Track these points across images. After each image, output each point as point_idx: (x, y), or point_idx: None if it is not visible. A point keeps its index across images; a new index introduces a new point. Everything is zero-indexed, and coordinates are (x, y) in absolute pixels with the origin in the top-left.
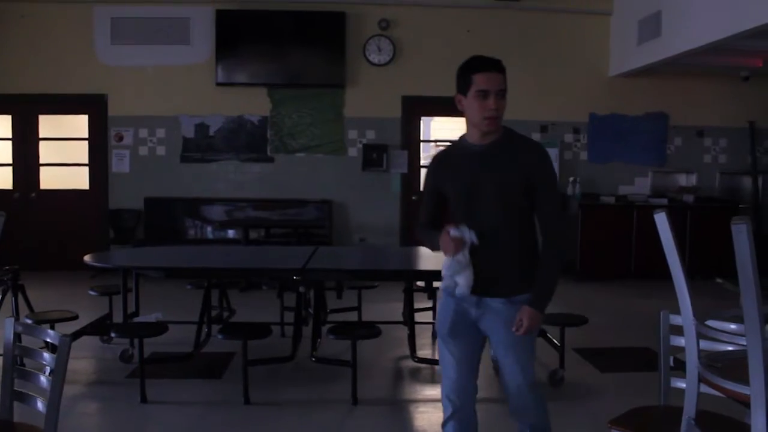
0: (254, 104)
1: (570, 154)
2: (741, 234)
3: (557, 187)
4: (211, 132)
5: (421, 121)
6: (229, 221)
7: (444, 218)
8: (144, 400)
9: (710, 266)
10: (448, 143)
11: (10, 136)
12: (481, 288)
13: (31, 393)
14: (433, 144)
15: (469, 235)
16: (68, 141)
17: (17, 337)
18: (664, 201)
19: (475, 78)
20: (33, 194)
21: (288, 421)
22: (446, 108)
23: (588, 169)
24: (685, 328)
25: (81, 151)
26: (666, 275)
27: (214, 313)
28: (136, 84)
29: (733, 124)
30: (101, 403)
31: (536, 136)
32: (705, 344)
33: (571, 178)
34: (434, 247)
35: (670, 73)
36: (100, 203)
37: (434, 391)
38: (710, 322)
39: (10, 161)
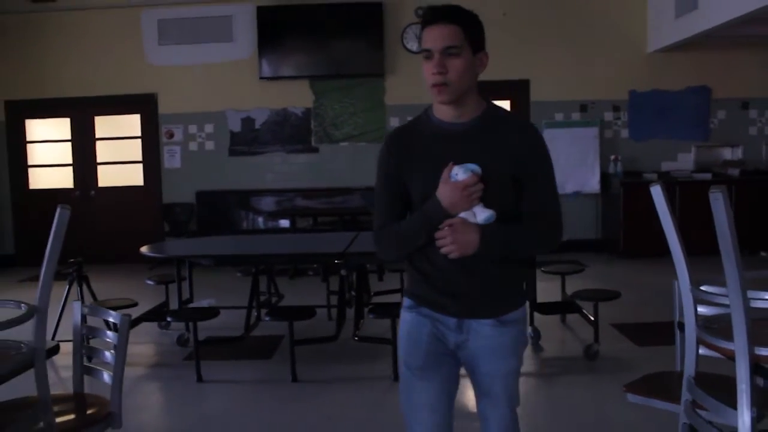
0: (297, 96)
1: (610, 133)
2: (717, 201)
3: (555, 179)
4: (257, 125)
5: None
6: (278, 211)
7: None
8: (200, 379)
9: (757, 240)
10: (411, 120)
11: (70, 138)
12: (462, 307)
13: (98, 368)
14: None
15: (473, 167)
16: (123, 140)
17: (84, 318)
18: (708, 176)
19: (422, 36)
20: (92, 192)
21: (333, 396)
22: (487, 92)
23: (629, 146)
24: (683, 294)
25: (135, 149)
26: (710, 251)
27: (262, 298)
28: (183, 82)
29: None
30: (161, 382)
31: (576, 116)
32: (716, 310)
33: (612, 157)
34: (419, 233)
35: (710, 46)
36: (154, 198)
37: None
38: (707, 287)
39: (71, 161)
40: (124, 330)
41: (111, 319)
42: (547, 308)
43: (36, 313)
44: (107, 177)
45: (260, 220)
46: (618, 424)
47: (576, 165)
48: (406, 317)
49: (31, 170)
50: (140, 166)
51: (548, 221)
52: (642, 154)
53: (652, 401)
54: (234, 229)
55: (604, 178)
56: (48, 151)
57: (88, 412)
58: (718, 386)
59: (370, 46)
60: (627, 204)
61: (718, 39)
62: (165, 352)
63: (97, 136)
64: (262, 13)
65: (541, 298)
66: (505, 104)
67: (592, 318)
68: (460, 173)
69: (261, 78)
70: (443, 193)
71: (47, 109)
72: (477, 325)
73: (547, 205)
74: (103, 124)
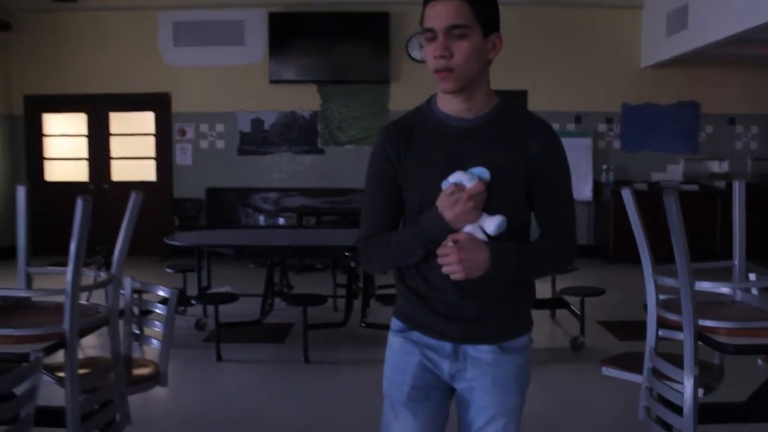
0: (305, 100)
1: (603, 143)
2: (670, 203)
3: (572, 191)
4: (266, 126)
5: None
6: (283, 209)
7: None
8: (219, 358)
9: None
10: (409, 112)
11: (86, 133)
12: (460, 332)
13: (146, 335)
14: None
15: (479, 172)
16: (136, 136)
17: (134, 292)
18: (695, 187)
19: (425, 13)
20: (106, 185)
21: (342, 376)
22: None
23: (621, 157)
24: (645, 278)
25: (148, 146)
26: (696, 257)
27: (275, 289)
28: (197, 82)
29: (765, 110)
30: (183, 361)
31: (571, 126)
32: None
33: (605, 166)
34: (415, 250)
35: (699, 63)
36: (165, 193)
37: None
38: (666, 279)
39: (86, 155)
40: (173, 302)
41: (161, 293)
42: (537, 304)
43: (113, 280)
44: (121, 172)
45: (263, 217)
46: (596, 402)
47: (570, 174)
48: (393, 343)
49: (46, 163)
50: (153, 162)
51: (566, 240)
52: (633, 165)
53: (622, 373)
54: (240, 224)
55: (597, 186)
56: (64, 145)
57: (140, 371)
58: (674, 359)
59: (376, 54)
60: (617, 211)
61: (707, 57)
62: (183, 336)
63: (111, 132)
64: (274, 18)
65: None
66: None
67: (579, 313)
68: (465, 180)
69: (271, 81)
70: (445, 205)
71: (64, 104)
72: (475, 351)
73: (565, 222)
74: (118, 121)
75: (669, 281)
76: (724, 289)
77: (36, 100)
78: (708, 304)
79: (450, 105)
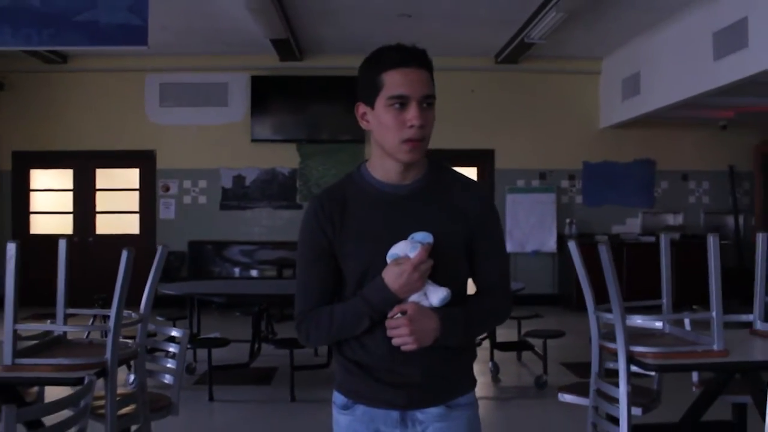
0: (285, 157)
1: (566, 198)
2: (603, 252)
3: (505, 245)
4: (247, 182)
5: None
6: (262, 261)
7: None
8: (211, 398)
9: (692, 295)
10: (339, 180)
11: (72, 187)
12: (406, 398)
13: (159, 371)
14: None
15: (422, 237)
16: (121, 191)
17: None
18: (652, 239)
19: (387, 78)
20: (90, 238)
21: (327, 412)
22: (454, 160)
23: (583, 211)
24: (589, 315)
25: (132, 200)
26: (652, 298)
27: (261, 335)
28: (181, 140)
29: (715, 167)
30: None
31: (535, 183)
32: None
33: (568, 220)
34: (359, 322)
35: (654, 124)
36: (149, 246)
37: None
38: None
39: (71, 209)
40: (184, 340)
41: (174, 333)
42: (504, 346)
43: (143, 319)
44: (105, 225)
45: (239, 269)
46: (557, 429)
47: (536, 226)
48: (340, 421)
49: (32, 216)
50: (137, 216)
51: (505, 296)
52: (594, 218)
53: (575, 398)
54: (220, 276)
55: (560, 239)
56: (50, 199)
57: (156, 402)
58: (613, 382)
59: (351, 115)
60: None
61: (661, 118)
62: None
63: (97, 187)
64: (255, 81)
65: (500, 339)
66: (472, 171)
67: (542, 354)
68: (409, 250)
69: (252, 140)
70: (391, 276)
71: (52, 160)
72: (423, 415)
73: (503, 277)
74: (104, 177)
75: (608, 316)
76: (658, 324)
77: (24, 156)
78: (642, 335)
79: (388, 173)
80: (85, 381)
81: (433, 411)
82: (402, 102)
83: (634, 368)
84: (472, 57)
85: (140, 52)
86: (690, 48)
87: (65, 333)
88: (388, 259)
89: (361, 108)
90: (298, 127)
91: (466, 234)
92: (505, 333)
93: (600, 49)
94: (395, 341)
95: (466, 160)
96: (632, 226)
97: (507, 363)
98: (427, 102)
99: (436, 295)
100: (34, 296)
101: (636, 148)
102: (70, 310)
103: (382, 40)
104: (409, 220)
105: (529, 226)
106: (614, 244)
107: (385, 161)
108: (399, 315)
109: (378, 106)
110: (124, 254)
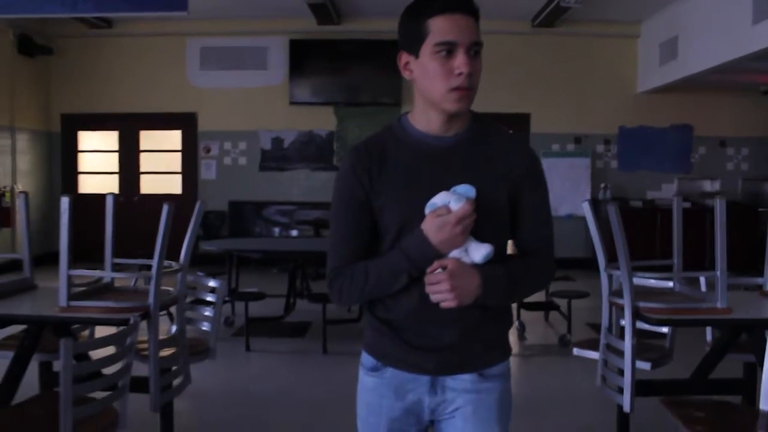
0: (322, 120)
1: (601, 163)
2: (612, 212)
3: (550, 207)
4: (286, 144)
5: None
6: (300, 221)
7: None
8: (248, 348)
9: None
10: (378, 132)
11: (117, 149)
12: (438, 363)
13: (197, 318)
14: None
15: (465, 191)
16: (164, 152)
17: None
18: (688, 205)
19: (433, 24)
20: (135, 198)
21: (357, 366)
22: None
23: (618, 176)
24: (601, 273)
25: (175, 161)
26: (687, 267)
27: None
28: (221, 103)
29: (755, 134)
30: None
31: (571, 147)
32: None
33: (602, 185)
34: (398, 278)
35: (692, 89)
36: (190, 205)
37: None
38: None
39: (117, 170)
40: (221, 291)
41: (212, 283)
42: (531, 306)
43: (182, 269)
44: (149, 185)
45: (278, 229)
46: (579, 389)
47: (569, 191)
48: (367, 383)
49: (80, 176)
50: (179, 177)
51: (548, 259)
52: (629, 184)
53: (588, 352)
54: (260, 235)
55: (595, 203)
56: (97, 159)
57: (195, 346)
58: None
59: (388, 78)
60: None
61: (698, 84)
62: None
63: (141, 149)
64: (294, 45)
65: (528, 299)
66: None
67: (566, 314)
68: (452, 201)
69: (291, 103)
70: (431, 229)
71: (98, 122)
72: (454, 382)
73: (547, 241)
74: (148, 138)
75: (616, 272)
76: (670, 283)
77: (72, 118)
78: (652, 293)
79: (430, 124)
80: (131, 321)
81: (465, 378)
82: (449, 49)
83: (642, 325)
84: (508, 20)
85: (181, 17)
86: (728, 11)
87: (113, 280)
88: (427, 210)
89: (404, 57)
90: (336, 90)
91: (511, 191)
92: (535, 294)
93: (638, 12)
94: (434, 297)
95: (502, 123)
96: (668, 191)
97: (534, 323)
98: (475, 50)
99: (479, 252)
100: (83, 253)
101: (673, 113)
102: (117, 260)
103: None
104: (451, 172)
105: (563, 190)
106: (649, 209)
107: (428, 112)
108: (440, 270)
109: (423, 54)
110: (165, 207)
